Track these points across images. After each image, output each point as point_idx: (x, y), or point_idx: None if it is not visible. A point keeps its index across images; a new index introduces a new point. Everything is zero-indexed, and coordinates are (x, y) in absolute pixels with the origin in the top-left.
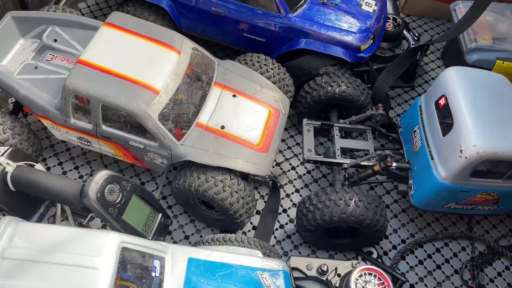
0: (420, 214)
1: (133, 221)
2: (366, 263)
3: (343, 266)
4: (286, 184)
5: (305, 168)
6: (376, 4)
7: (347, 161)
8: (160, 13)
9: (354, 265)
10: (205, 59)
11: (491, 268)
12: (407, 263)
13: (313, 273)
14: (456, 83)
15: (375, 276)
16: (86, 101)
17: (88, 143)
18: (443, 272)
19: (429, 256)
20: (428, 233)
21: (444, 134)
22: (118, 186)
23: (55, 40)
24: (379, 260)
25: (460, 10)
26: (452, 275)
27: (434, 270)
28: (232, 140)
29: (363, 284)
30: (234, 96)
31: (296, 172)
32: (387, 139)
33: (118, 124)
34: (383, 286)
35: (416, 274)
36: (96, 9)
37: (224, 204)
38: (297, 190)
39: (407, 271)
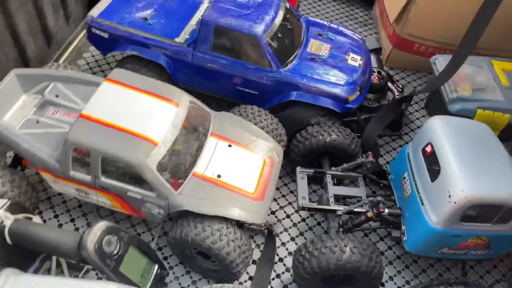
0: (414, 260)
1: (130, 273)
2: None
3: None
4: (281, 232)
5: (300, 216)
6: (361, 59)
7: (340, 208)
8: (158, 69)
9: None
10: (202, 112)
11: None
12: None
13: None
14: (441, 131)
15: None
16: (86, 153)
17: (86, 195)
18: None
19: None
20: (423, 280)
21: (433, 180)
22: (116, 237)
23: (57, 96)
24: None
25: (439, 63)
26: None
27: None
28: (229, 189)
29: None
30: (229, 146)
31: (291, 220)
32: (378, 186)
33: (116, 175)
34: None
35: None
36: (94, 66)
37: (221, 253)
38: (292, 239)
39: None
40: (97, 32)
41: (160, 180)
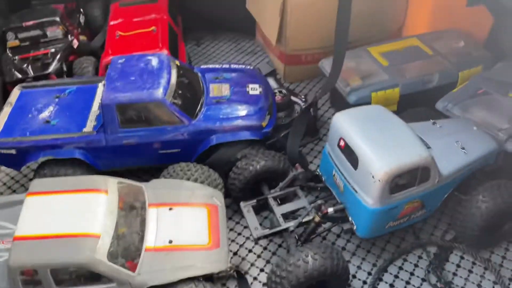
0: (372, 243)
1: None
2: None
3: None
4: (249, 268)
5: (261, 246)
6: (260, 86)
7: (291, 224)
8: (76, 163)
9: None
10: (133, 188)
11: (449, 264)
12: None
13: None
14: (346, 125)
15: None
16: (34, 272)
17: None
18: (413, 286)
19: (396, 276)
20: (386, 257)
21: (355, 168)
22: None
23: None
24: None
25: (326, 65)
26: (421, 284)
27: (405, 287)
28: (184, 249)
29: None
30: (170, 209)
31: (254, 253)
32: (317, 191)
33: (72, 282)
34: None
35: None
36: (12, 184)
37: None
38: (261, 270)
39: None
40: (3, 151)
41: (115, 269)
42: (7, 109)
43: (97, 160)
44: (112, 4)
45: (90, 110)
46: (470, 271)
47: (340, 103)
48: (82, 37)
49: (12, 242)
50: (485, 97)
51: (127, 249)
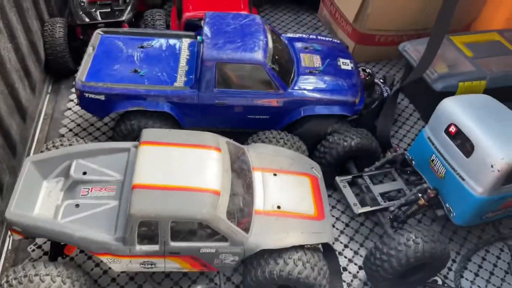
0: (454, 231)
1: None
2: None
3: None
4: (333, 243)
5: (342, 222)
6: (351, 62)
7: (392, 203)
8: (163, 118)
9: None
10: (238, 150)
11: None
12: (466, 279)
13: None
14: (459, 111)
15: None
16: (154, 223)
17: (152, 265)
18: (497, 277)
19: (480, 267)
20: (469, 246)
21: (468, 156)
22: None
23: (85, 173)
24: (445, 285)
25: (410, 49)
26: (505, 276)
27: (489, 277)
28: (293, 217)
29: None
30: (275, 175)
31: (337, 229)
32: (406, 174)
33: (186, 236)
34: None
35: (479, 286)
36: (79, 131)
37: (310, 281)
38: (345, 246)
39: (470, 287)
40: (92, 96)
41: (233, 228)
42: (91, 53)
43: (184, 116)
44: None
45: (178, 65)
46: None
47: (418, 89)
48: None
49: (131, 191)
50: None
51: (241, 211)
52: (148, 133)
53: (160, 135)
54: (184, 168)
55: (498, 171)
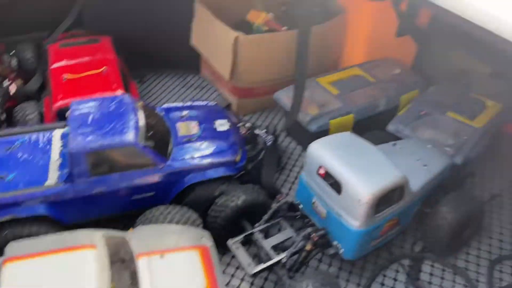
0: (352, 264)
1: None
2: None
3: None
4: None
5: (248, 281)
6: (227, 121)
7: (283, 255)
8: (41, 220)
9: None
10: (117, 240)
11: (423, 274)
12: None
13: None
14: (324, 153)
15: None
16: None
17: None
18: None
19: None
20: (367, 275)
21: (339, 193)
22: None
23: None
24: None
25: (283, 97)
26: None
27: None
28: None
29: None
30: (161, 256)
31: None
32: (296, 220)
33: None
34: None
35: None
36: None
37: None
38: None
39: None
40: None
41: None
42: None
43: (63, 214)
44: (50, 46)
45: (49, 161)
46: (442, 278)
47: (298, 132)
48: (18, 81)
49: None
50: (428, 117)
51: None
52: (12, 248)
53: (27, 246)
54: (56, 280)
55: (366, 203)
